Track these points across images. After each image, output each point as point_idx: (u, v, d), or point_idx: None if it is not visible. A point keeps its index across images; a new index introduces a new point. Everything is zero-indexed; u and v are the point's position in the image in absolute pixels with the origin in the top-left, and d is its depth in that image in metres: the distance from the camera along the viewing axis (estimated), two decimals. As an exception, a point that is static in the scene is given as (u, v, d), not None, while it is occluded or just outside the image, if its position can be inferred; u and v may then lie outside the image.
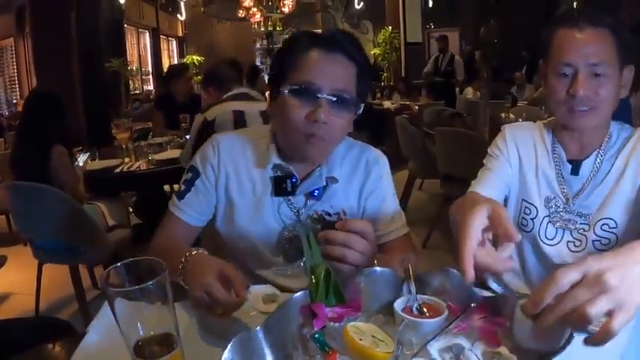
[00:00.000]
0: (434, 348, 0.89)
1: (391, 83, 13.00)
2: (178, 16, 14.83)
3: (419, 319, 0.97)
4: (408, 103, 8.68)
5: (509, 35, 12.19)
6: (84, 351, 1.18)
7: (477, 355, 0.89)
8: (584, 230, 1.62)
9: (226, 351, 0.81)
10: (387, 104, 8.87)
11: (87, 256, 3.47)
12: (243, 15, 12.59)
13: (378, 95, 11.47)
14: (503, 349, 0.92)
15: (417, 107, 7.97)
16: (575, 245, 1.64)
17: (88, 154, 4.35)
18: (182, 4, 13.92)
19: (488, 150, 1.80)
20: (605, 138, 1.63)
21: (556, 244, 1.66)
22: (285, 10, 12.24)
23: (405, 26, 14.56)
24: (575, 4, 11.70)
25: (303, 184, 1.58)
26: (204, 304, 1.14)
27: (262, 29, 13.94)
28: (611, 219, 1.59)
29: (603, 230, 1.59)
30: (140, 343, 0.85)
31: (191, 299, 1.22)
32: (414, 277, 1.06)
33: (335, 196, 1.62)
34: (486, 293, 1.05)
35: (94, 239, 3.43)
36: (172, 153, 4.35)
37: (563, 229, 1.64)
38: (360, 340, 0.88)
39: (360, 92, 1.51)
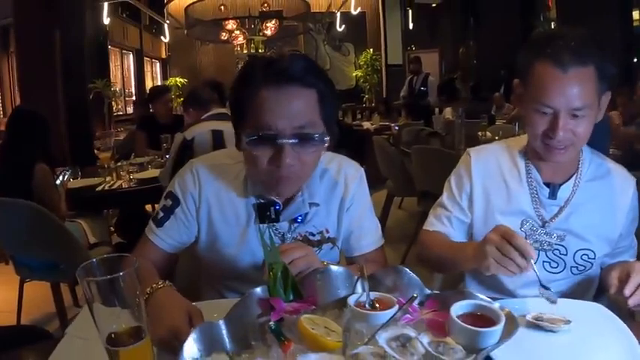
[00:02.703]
0: (382, 337, 0.97)
1: (373, 105, 13.12)
2: (162, 38, 14.86)
3: (368, 312, 1.05)
4: (387, 123, 8.81)
5: (487, 56, 12.45)
6: (62, 351, 1.24)
7: (422, 343, 0.97)
8: (561, 253, 1.64)
9: (189, 338, 0.89)
10: (366, 125, 9.01)
11: (68, 273, 3.50)
12: (225, 37, 12.67)
13: (359, 116, 11.61)
14: (450, 339, 1.01)
15: (396, 128, 8.08)
16: (551, 266, 1.66)
17: (70, 172, 4.40)
18: (166, 26, 13.97)
19: (452, 177, 1.78)
20: (580, 163, 1.65)
21: None
22: (268, 32, 12.34)
23: (386, 48, 14.78)
24: (552, 24, 11.98)
25: (286, 210, 1.56)
26: (168, 344, 1.10)
27: (245, 52, 14.01)
28: (591, 250, 1.64)
29: (583, 260, 1.64)
30: (113, 335, 0.92)
31: (153, 335, 1.08)
32: (368, 275, 1.15)
33: (317, 215, 1.61)
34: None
35: (76, 256, 3.46)
36: (153, 172, 4.42)
37: (539, 250, 1.64)
38: (313, 329, 0.96)
39: (326, 117, 1.43)
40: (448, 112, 8.38)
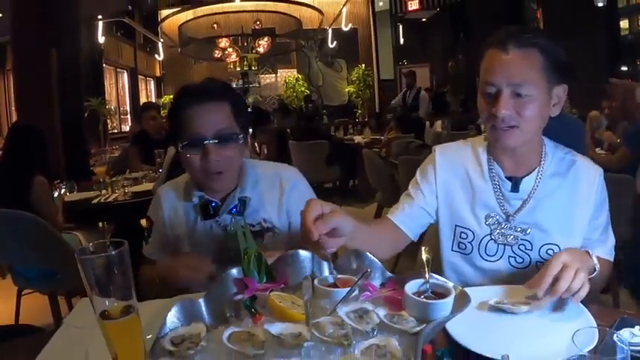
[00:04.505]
0: (342, 310, 1.09)
1: (365, 119, 13.23)
2: (156, 56, 15.06)
3: (330, 289, 1.19)
4: (378, 137, 8.93)
5: (477, 69, 12.61)
6: (60, 338, 1.38)
7: (378, 315, 1.10)
8: (527, 248, 1.66)
9: (172, 310, 1.03)
10: (357, 139, 9.13)
11: (65, 283, 3.59)
12: (219, 55, 12.86)
13: (350, 131, 11.74)
14: (404, 313, 1.13)
15: (386, 139, 8.21)
16: (516, 261, 1.67)
17: (67, 185, 4.51)
18: (160, 44, 14.16)
19: (418, 171, 1.84)
20: (541, 156, 1.67)
21: (497, 260, 1.69)
22: (261, 50, 12.55)
23: (378, 63, 14.96)
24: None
25: (222, 206, 1.89)
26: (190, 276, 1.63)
27: (238, 69, 14.15)
28: (556, 245, 1.63)
29: (548, 254, 1.63)
30: (106, 313, 1.05)
31: (183, 280, 1.67)
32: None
33: (254, 211, 1.91)
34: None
35: (72, 267, 3.53)
36: (147, 186, 4.55)
37: (504, 245, 1.67)
38: (280, 302, 1.10)
39: (242, 123, 1.84)
40: (438, 125, 8.52)
